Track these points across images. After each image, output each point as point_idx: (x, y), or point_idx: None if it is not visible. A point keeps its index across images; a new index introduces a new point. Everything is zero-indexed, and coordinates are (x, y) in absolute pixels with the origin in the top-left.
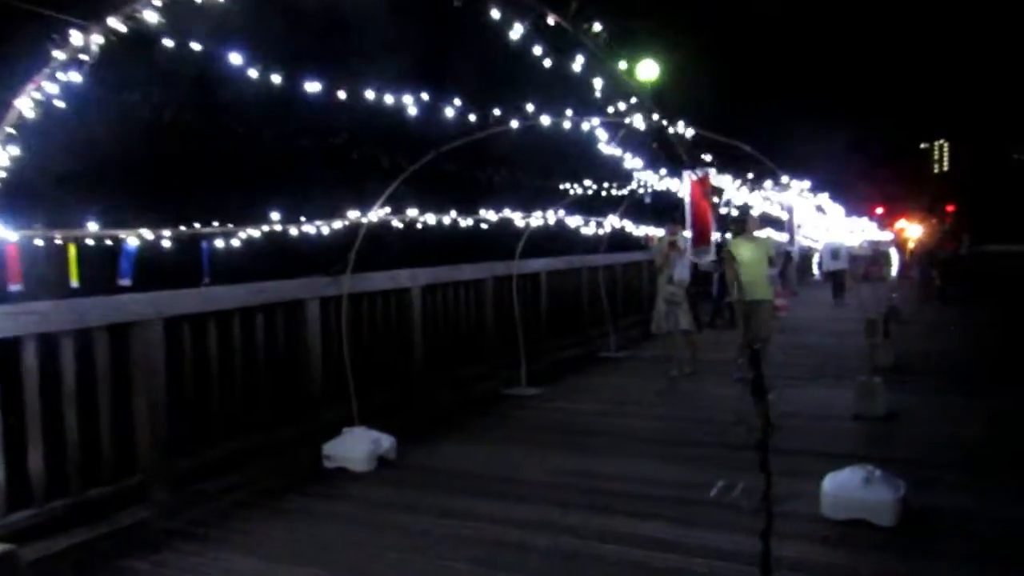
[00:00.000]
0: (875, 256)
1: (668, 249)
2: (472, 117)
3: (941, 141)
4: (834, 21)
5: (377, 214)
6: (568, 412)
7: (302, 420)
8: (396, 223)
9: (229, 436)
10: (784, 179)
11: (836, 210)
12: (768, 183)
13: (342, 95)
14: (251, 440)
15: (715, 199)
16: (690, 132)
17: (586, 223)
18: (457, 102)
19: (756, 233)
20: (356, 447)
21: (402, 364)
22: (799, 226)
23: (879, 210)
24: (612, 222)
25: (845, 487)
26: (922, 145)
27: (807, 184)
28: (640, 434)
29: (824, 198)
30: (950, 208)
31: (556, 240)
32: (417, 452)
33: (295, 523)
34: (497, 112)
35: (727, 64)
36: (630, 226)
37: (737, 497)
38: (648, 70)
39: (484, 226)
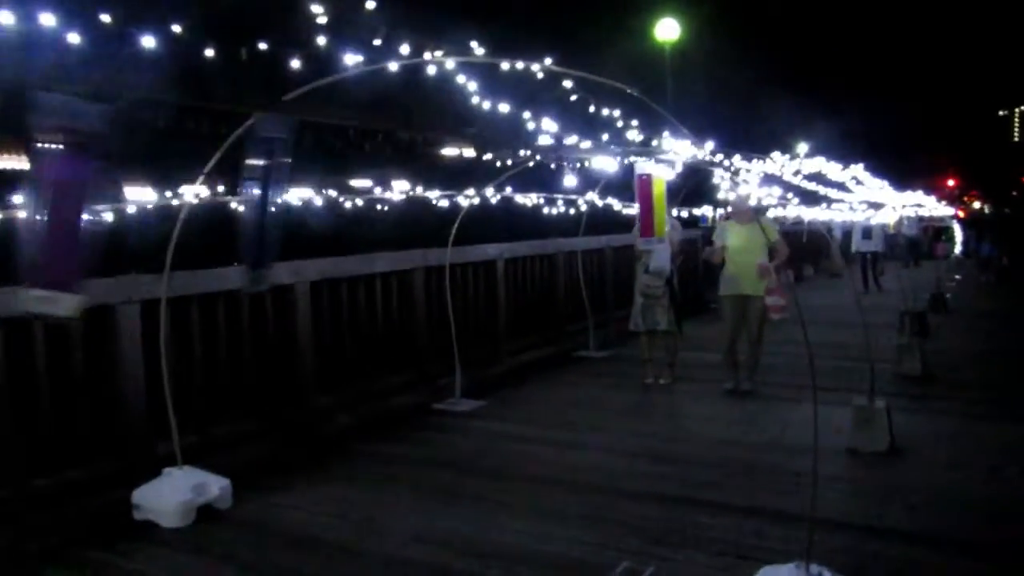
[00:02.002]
0: (938, 232)
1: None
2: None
3: (1022, 107)
4: None
5: (202, 193)
6: (498, 437)
7: (113, 458)
8: (237, 204)
9: None
10: (662, 142)
11: (876, 184)
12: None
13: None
14: (20, 489)
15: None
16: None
17: (548, 201)
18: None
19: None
20: (168, 495)
21: (281, 381)
22: (730, 210)
23: (951, 182)
24: (591, 199)
25: None
26: (1000, 112)
27: (706, 147)
28: (571, 475)
29: (858, 169)
30: None
31: (528, 223)
32: (262, 500)
33: None
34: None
35: (766, 23)
36: (617, 204)
37: None
38: (668, 30)
39: (379, 208)
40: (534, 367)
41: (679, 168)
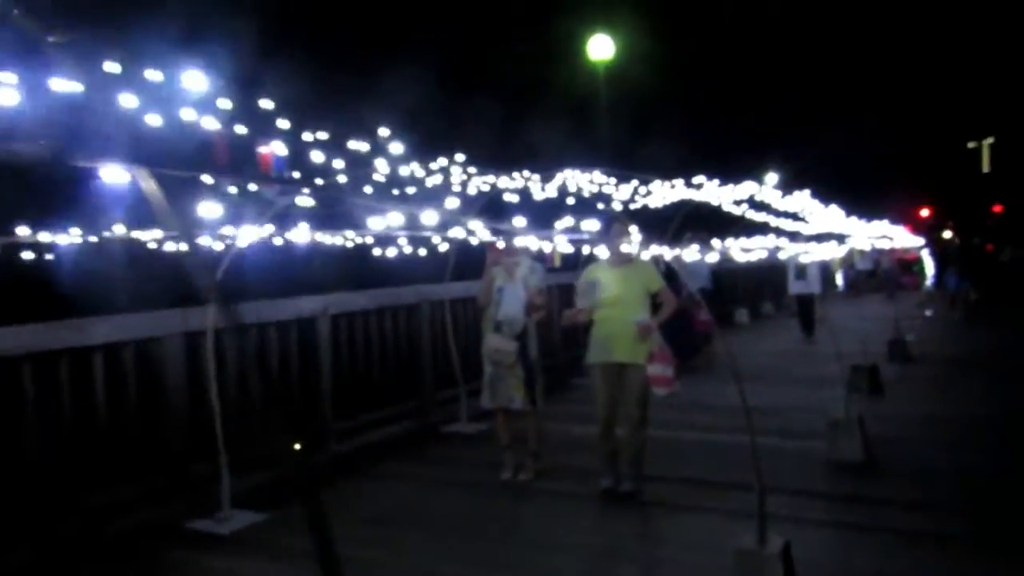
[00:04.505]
0: (905, 263)
1: (491, 277)
2: None
3: (990, 140)
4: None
5: None
6: None
7: None
8: None
9: None
10: None
11: (830, 213)
12: None
13: None
14: None
15: None
16: None
17: (383, 240)
18: None
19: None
20: None
21: None
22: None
23: (924, 212)
24: (457, 236)
25: None
26: (970, 144)
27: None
28: None
29: (804, 196)
30: (997, 209)
31: (381, 269)
32: None
33: None
34: None
35: (725, 46)
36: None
37: None
38: (601, 47)
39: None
40: (380, 450)
41: None
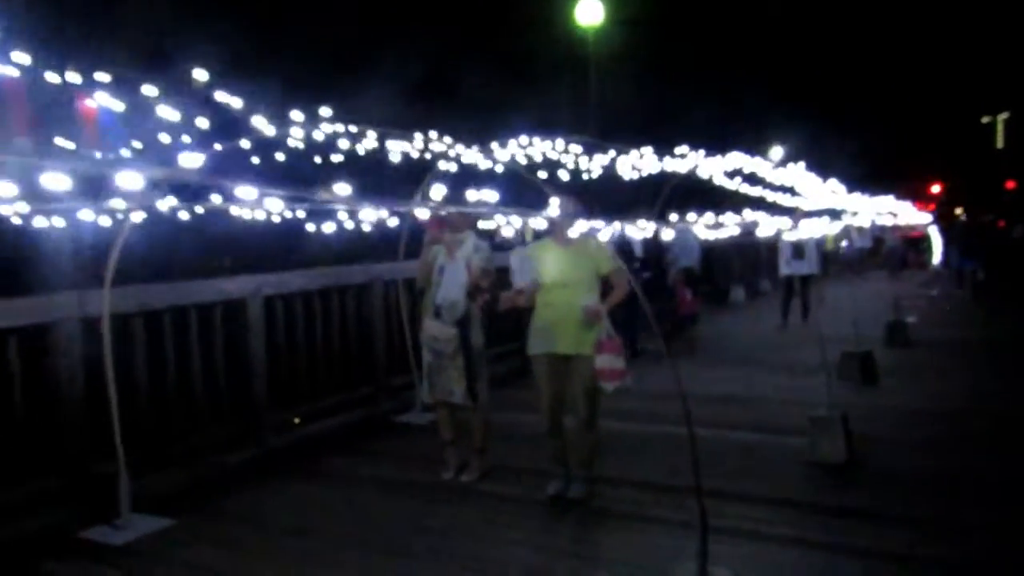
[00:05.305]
0: (913, 241)
1: (431, 256)
2: None
3: (1005, 115)
4: None
5: None
6: None
7: None
8: None
9: None
10: None
11: (828, 188)
12: None
13: None
14: None
15: None
16: None
17: (316, 213)
18: None
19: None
20: None
21: None
22: None
23: (935, 188)
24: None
25: None
26: (984, 119)
27: None
28: None
29: (799, 169)
30: (1010, 185)
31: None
32: None
33: None
34: None
35: (728, 15)
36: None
37: None
38: (590, 10)
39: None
40: (322, 443)
41: None
